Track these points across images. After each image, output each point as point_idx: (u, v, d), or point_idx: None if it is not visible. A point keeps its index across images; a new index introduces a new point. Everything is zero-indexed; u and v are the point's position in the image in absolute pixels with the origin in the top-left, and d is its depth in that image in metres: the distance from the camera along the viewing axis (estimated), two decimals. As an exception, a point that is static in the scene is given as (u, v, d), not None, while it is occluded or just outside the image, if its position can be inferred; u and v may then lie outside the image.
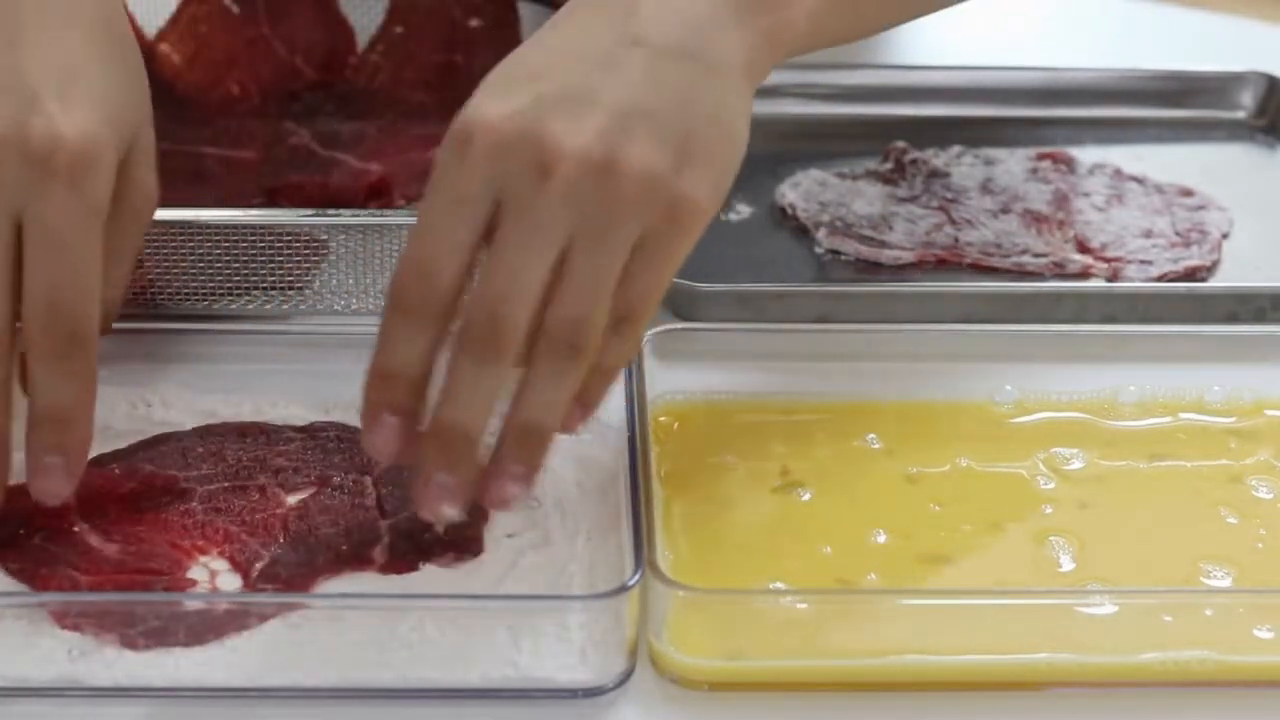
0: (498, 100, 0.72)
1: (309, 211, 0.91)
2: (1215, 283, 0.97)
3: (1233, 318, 0.94)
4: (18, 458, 0.74)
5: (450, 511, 0.72)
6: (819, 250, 0.99)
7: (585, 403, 0.73)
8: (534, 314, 0.71)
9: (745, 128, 0.76)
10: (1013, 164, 1.07)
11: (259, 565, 0.75)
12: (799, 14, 0.78)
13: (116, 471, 0.79)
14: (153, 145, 0.79)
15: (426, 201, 0.72)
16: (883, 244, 0.99)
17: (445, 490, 0.72)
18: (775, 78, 1.13)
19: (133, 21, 1.05)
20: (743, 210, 1.03)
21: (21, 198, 0.72)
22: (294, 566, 0.75)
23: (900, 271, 0.98)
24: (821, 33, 0.82)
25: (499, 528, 0.78)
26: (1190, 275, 0.97)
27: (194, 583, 0.75)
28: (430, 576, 0.76)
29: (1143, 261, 0.98)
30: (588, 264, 0.71)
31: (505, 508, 0.74)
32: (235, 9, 1.06)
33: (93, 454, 0.81)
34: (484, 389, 0.71)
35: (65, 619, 0.72)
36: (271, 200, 0.96)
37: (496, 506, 0.74)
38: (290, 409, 0.84)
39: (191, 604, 0.73)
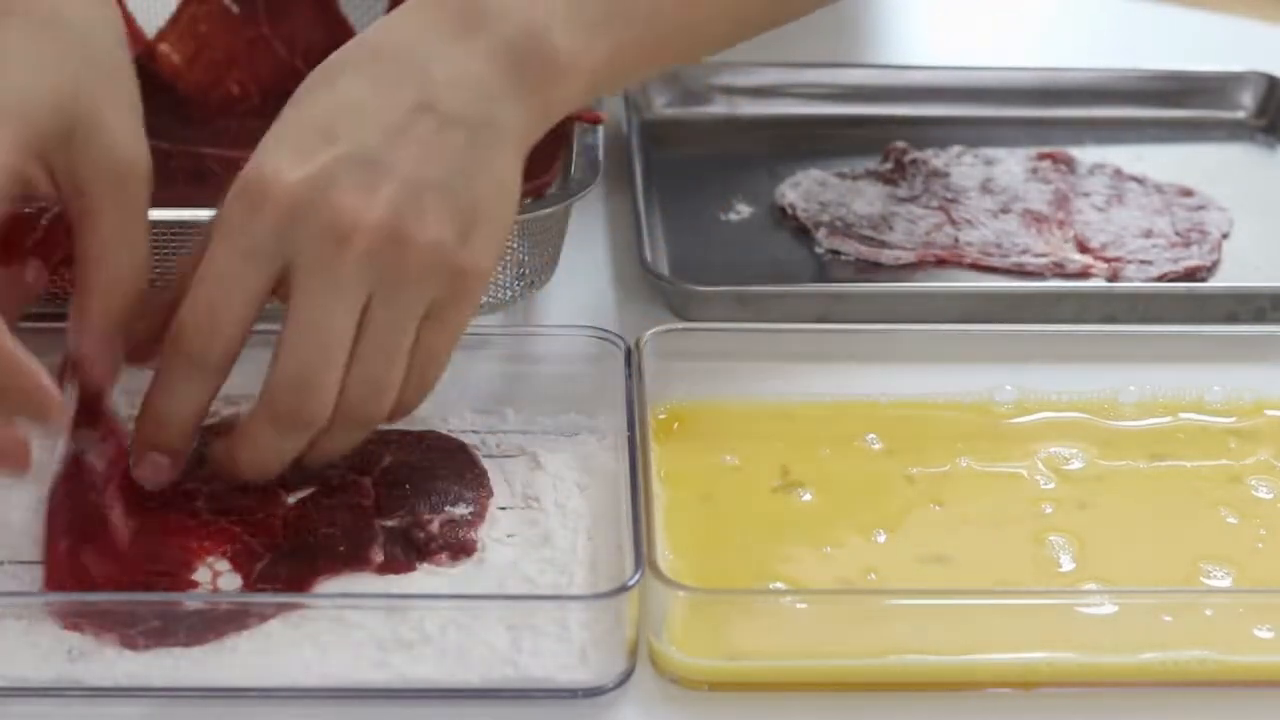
0: (291, 160, 0.73)
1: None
2: (1215, 283, 0.97)
3: (1233, 318, 0.94)
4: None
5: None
6: (819, 250, 0.99)
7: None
8: (339, 376, 0.73)
9: (516, 193, 0.77)
10: (1013, 164, 1.07)
11: (259, 565, 0.75)
12: (574, 89, 0.79)
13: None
14: (125, 110, 0.79)
15: (214, 251, 0.74)
16: (883, 244, 0.99)
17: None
18: (775, 77, 1.15)
19: (132, 22, 1.05)
20: (743, 210, 1.03)
21: None
22: (293, 567, 0.75)
23: (900, 271, 0.98)
24: (606, 88, 0.83)
25: (499, 528, 0.78)
26: (1190, 275, 0.97)
27: (197, 584, 0.75)
28: (430, 576, 0.76)
29: (1143, 261, 0.98)
30: (382, 331, 0.73)
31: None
32: (235, 9, 1.06)
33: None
34: (284, 448, 0.75)
35: (66, 618, 0.72)
36: (271, 200, 0.95)
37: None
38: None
39: (191, 604, 0.73)
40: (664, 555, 0.76)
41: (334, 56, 0.77)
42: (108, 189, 0.77)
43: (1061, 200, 1.03)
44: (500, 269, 0.88)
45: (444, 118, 0.75)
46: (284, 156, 0.74)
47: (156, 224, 0.87)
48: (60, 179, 0.76)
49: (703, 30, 0.86)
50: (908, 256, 0.98)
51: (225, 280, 0.73)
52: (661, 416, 0.85)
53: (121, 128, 0.78)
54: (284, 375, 0.73)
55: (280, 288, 0.73)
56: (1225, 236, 1.01)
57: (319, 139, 0.74)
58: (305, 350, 0.73)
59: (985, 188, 1.04)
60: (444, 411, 0.83)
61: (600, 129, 0.94)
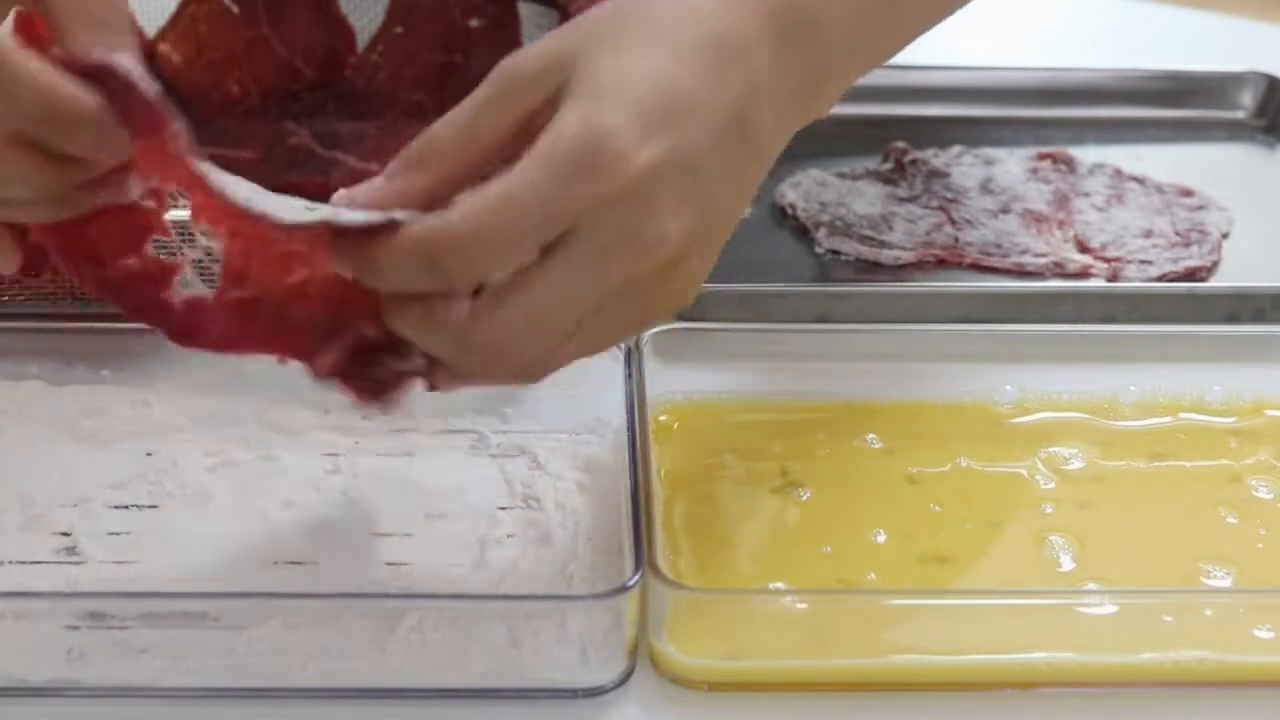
0: (637, 138, 0.68)
1: (309, 211, 0.91)
2: (1215, 283, 0.97)
3: (1233, 318, 0.94)
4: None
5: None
6: (819, 250, 0.99)
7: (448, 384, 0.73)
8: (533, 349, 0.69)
9: None
10: (1013, 164, 1.07)
11: None
12: (825, 104, 0.77)
13: None
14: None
15: (528, 178, 0.67)
16: (883, 244, 0.99)
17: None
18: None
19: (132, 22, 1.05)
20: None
21: None
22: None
23: (900, 271, 0.98)
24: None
25: (499, 528, 0.78)
26: (1190, 275, 0.97)
27: None
28: (430, 576, 0.76)
29: (1143, 261, 0.98)
30: (599, 335, 0.70)
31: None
32: (235, 9, 1.05)
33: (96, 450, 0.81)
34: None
35: None
36: (271, 200, 0.96)
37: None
38: (291, 409, 0.84)
39: (192, 604, 0.73)
40: (664, 555, 0.76)
41: (691, 29, 0.71)
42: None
43: (1061, 200, 1.03)
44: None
45: (752, 144, 0.71)
46: (633, 131, 0.67)
47: (156, 224, 0.87)
48: None
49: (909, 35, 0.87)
50: (908, 256, 0.98)
51: (522, 216, 0.67)
52: (661, 417, 0.85)
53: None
54: (486, 330, 0.68)
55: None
56: (1225, 236, 1.01)
57: (659, 121, 0.68)
58: (515, 323, 0.68)
59: (985, 188, 1.04)
60: (444, 412, 0.83)
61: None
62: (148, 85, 0.75)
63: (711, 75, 0.70)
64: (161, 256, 0.78)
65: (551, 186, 0.67)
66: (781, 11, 0.72)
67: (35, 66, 0.73)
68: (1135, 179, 1.06)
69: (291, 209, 0.72)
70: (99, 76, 0.74)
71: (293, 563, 0.76)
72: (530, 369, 0.71)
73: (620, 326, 0.71)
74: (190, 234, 0.82)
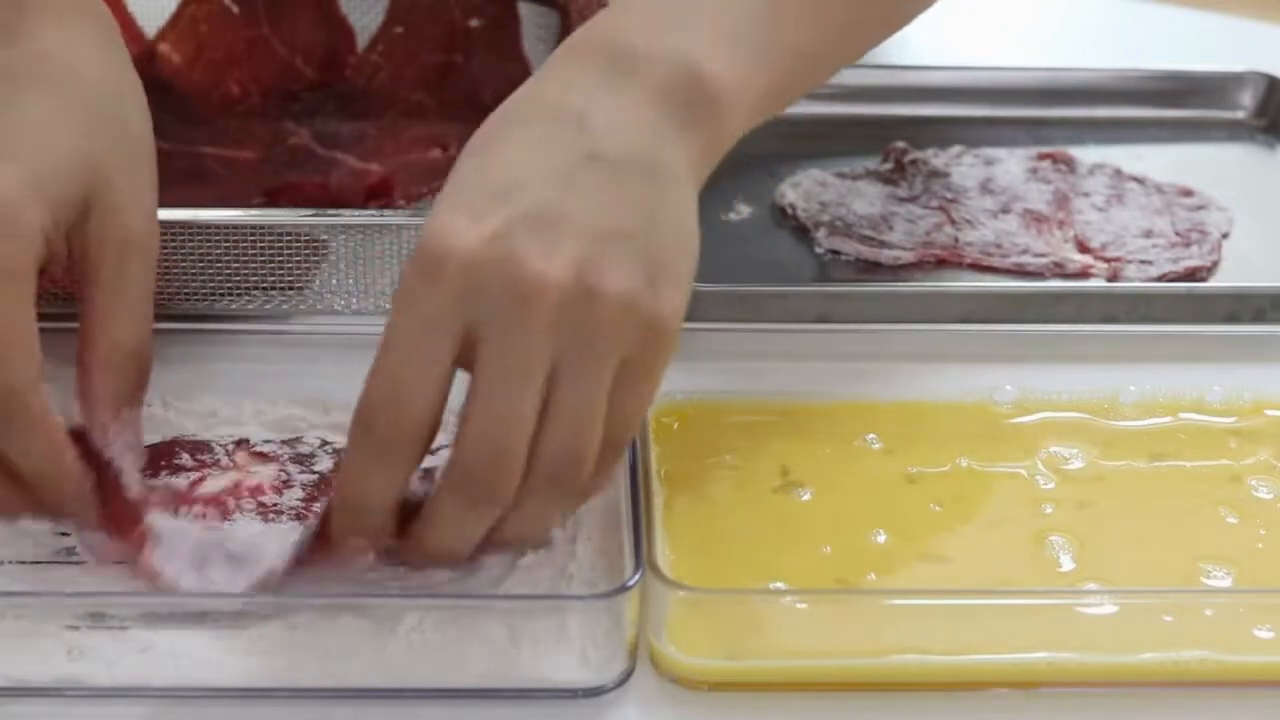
0: (466, 222, 0.69)
1: (309, 211, 0.91)
2: (1215, 283, 0.97)
3: (1233, 318, 0.94)
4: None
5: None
6: (819, 250, 0.99)
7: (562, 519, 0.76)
8: (524, 456, 0.69)
9: (696, 231, 0.75)
10: (1013, 164, 1.07)
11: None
12: (738, 121, 0.77)
13: None
14: (142, 187, 0.79)
15: (394, 322, 0.69)
16: (883, 244, 0.99)
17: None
18: (775, 78, 1.14)
19: (133, 22, 1.05)
20: (743, 210, 1.03)
21: None
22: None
23: (900, 271, 0.98)
24: (766, 115, 0.81)
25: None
26: (1190, 275, 0.97)
27: None
28: (430, 576, 0.76)
29: (1143, 261, 0.98)
30: (576, 394, 0.69)
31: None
32: (235, 9, 1.06)
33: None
34: (474, 526, 0.71)
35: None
36: (271, 200, 0.96)
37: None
38: (290, 409, 0.84)
39: (192, 603, 0.73)
40: (664, 555, 0.76)
41: (490, 120, 0.74)
42: (113, 263, 0.77)
43: (1061, 200, 1.03)
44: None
45: (615, 164, 0.72)
46: (459, 220, 0.69)
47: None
48: (72, 246, 0.77)
49: (849, 45, 0.85)
50: (908, 256, 0.98)
51: (409, 354, 0.69)
52: (662, 417, 0.85)
53: (136, 205, 0.78)
54: (472, 448, 0.69)
55: (464, 357, 0.69)
56: (1225, 236, 1.01)
57: (492, 199, 0.70)
58: (494, 421, 0.69)
59: (985, 188, 1.04)
60: (445, 411, 0.83)
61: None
62: (135, 485, 0.77)
63: (542, 133, 0.72)
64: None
65: (411, 299, 0.69)
66: (603, 56, 0.74)
67: (51, 423, 0.74)
68: (1135, 179, 1.06)
69: (237, 570, 0.74)
70: (99, 465, 0.76)
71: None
72: (568, 471, 0.70)
73: (624, 402, 0.71)
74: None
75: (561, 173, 0.71)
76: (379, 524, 0.72)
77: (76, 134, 0.77)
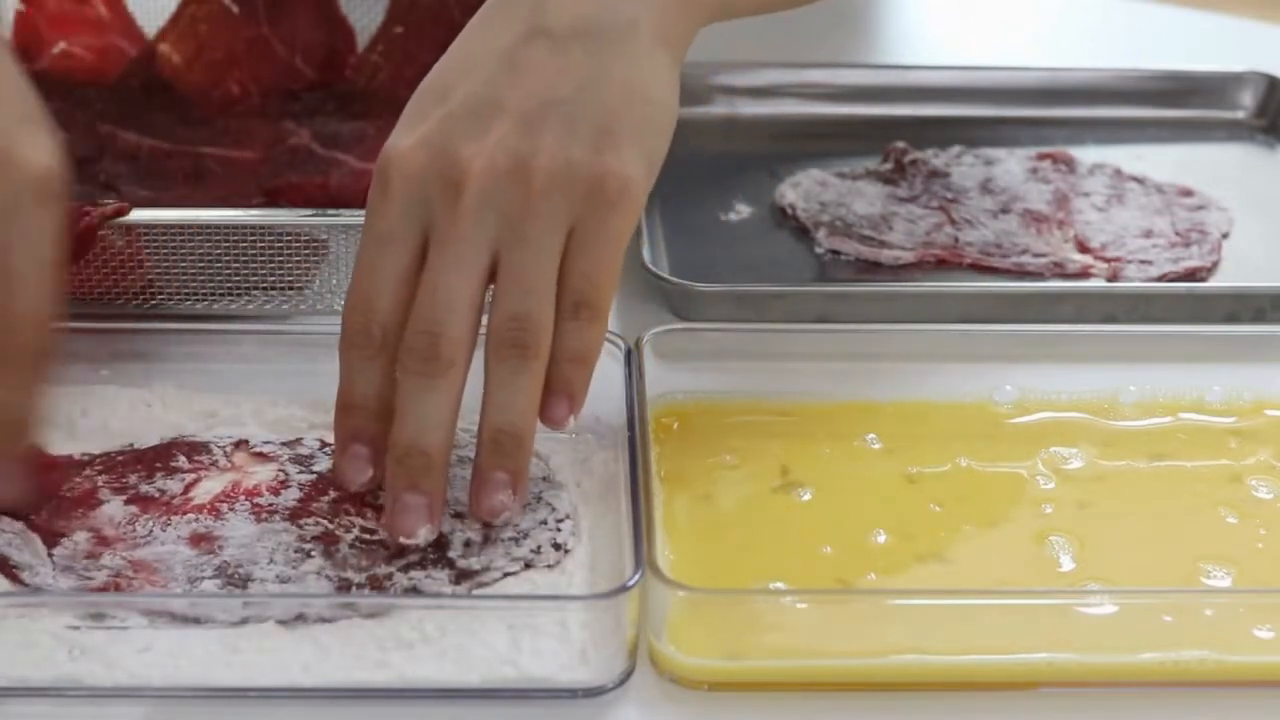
0: (409, 131, 0.74)
1: (309, 211, 0.91)
2: (1215, 283, 0.97)
3: (1233, 318, 0.94)
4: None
5: (423, 531, 0.75)
6: (819, 250, 0.99)
7: (569, 394, 0.75)
8: (468, 325, 0.73)
9: (667, 90, 0.77)
10: (1013, 164, 1.07)
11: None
12: None
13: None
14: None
15: (360, 243, 0.75)
16: (883, 244, 0.99)
17: (413, 510, 0.74)
18: (775, 77, 1.15)
19: (132, 22, 1.05)
20: (743, 210, 1.03)
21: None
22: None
23: (900, 271, 0.98)
24: (734, 1, 0.82)
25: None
26: (1190, 275, 0.97)
27: None
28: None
29: (1143, 261, 0.98)
30: (515, 263, 0.73)
31: (496, 518, 0.76)
32: (235, 9, 1.06)
33: (94, 451, 0.81)
34: (433, 405, 0.73)
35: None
36: (271, 200, 0.96)
37: (487, 517, 0.76)
38: (290, 409, 0.84)
39: (192, 602, 0.73)
40: (664, 555, 0.76)
41: (475, 16, 0.78)
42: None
43: (1061, 200, 1.03)
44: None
45: (558, 37, 0.75)
46: (403, 130, 0.74)
47: (157, 224, 0.87)
48: None
49: None
50: (908, 256, 0.98)
51: (370, 267, 0.74)
52: (661, 417, 0.85)
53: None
54: (413, 325, 0.73)
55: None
56: (1225, 236, 1.01)
57: (434, 101, 0.75)
58: (431, 294, 0.73)
59: (985, 188, 1.04)
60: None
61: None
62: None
63: (494, 20, 0.76)
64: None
65: (369, 218, 0.74)
66: None
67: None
68: (1135, 179, 1.06)
69: None
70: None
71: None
72: (519, 335, 0.73)
73: (582, 263, 0.73)
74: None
75: (503, 56, 0.75)
76: (371, 422, 0.75)
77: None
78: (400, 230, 0.74)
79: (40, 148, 0.75)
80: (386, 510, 0.75)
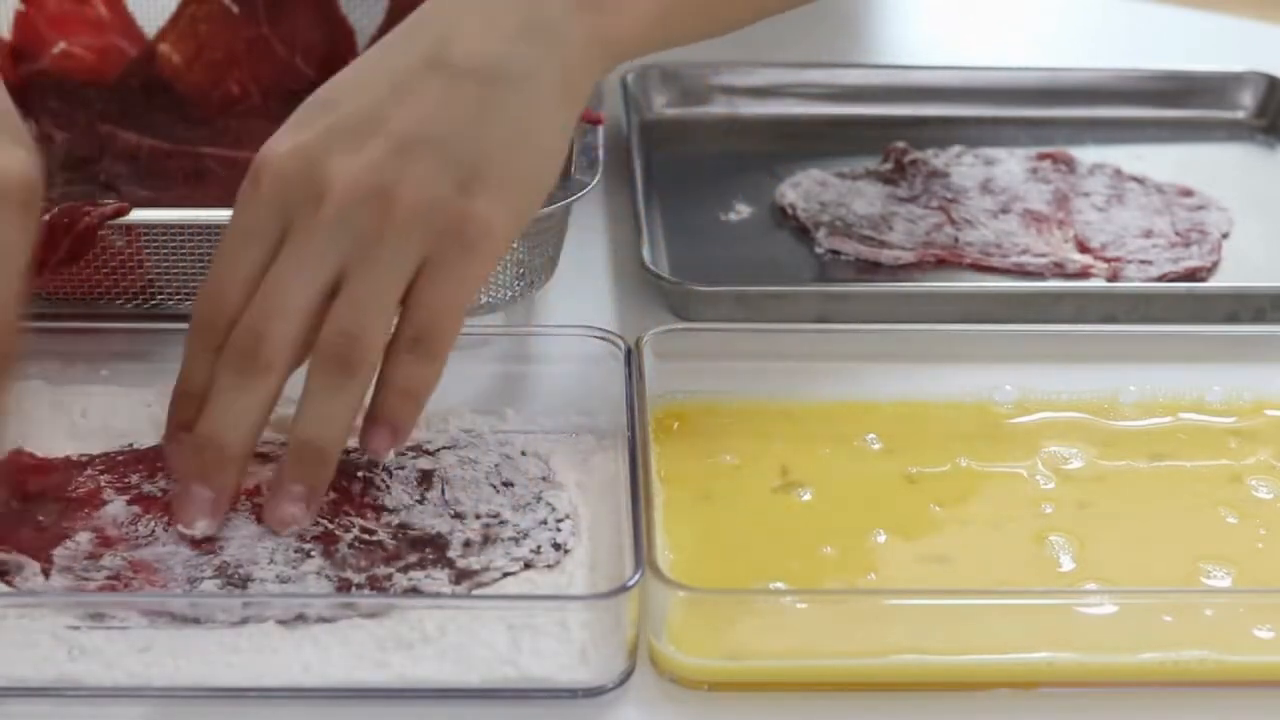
0: (289, 136, 0.75)
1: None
2: (1215, 283, 0.97)
3: (1233, 318, 0.94)
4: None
5: (201, 524, 0.75)
6: (819, 250, 0.99)
7: (393, 426, 0.75)
8: (293, 332, 0.73)
9: (555, 143, 0.77)
10: (1013, 164, 1.07)
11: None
12: (626, 23, 0.78)
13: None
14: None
15: (223, 236, 0.75)
16: (883, 244, 0.99)
17: (196, 501, 0.75)
18: (775, 77, 1.15)
19: (132, 22, 1.05)
20: (743, 210, 1.03)
21: None
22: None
23: (900, 271, 0.98)
24: (659, 37, 0.82)
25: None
26: (1190, 275, 0.97)
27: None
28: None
29: (1143, 261, 0.98)
30: (356, 282, 0.73)
31: (284, 529, 0.76)
32: (235, 9, 1.06)
33: (95, 451, 0.81)
34: (241, 404, 0.74)
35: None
36: (271, 200, 0.96)
37: (276, 526, 0.76)
38: (289, 409, 0.84)
39: (191, 601, 0.73)
40: (664, 555, 0.76)
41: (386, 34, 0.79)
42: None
43: (1061, 200, 1.03)
44: (500, 268, 0.88)
45: (456, 72, 0.75)
46: (282, 135, 0.75)
47: (157, 224, 0.87)
48: None
49: None
50: (908, 256, 0.98)
51: (226, 261, 0.75)
52: (661, 417, 0.85)
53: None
54: (242, 323, 0.74)
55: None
56: (1225, 236, 1.01)
57: (320, 111, 0.75)
58: (261, 303, 0.73)
59: (985, 188, 1.04)
60: (444, 411, 0.83)
61: (600, 129, 0.94)
62: None
63: (398, 44, 0.77)
64: None
65: (236, 210, 0.75)
66: None
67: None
68: (1135, 179, 1.06)
69: None
70: None
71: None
72: (345, 351, 0.73)
73: (428, 298, 0.74)
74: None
75: (397, 80, 0.75)
76: (230, 446, 0.75)
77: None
78: (262, 229, 0.74)
79: (7, 156, 0.75)
80: (173, 497, 0.76)
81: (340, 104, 0.75)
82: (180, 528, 0.75)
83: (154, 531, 0.77)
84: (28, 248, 0.75)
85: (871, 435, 0.85)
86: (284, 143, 0.75)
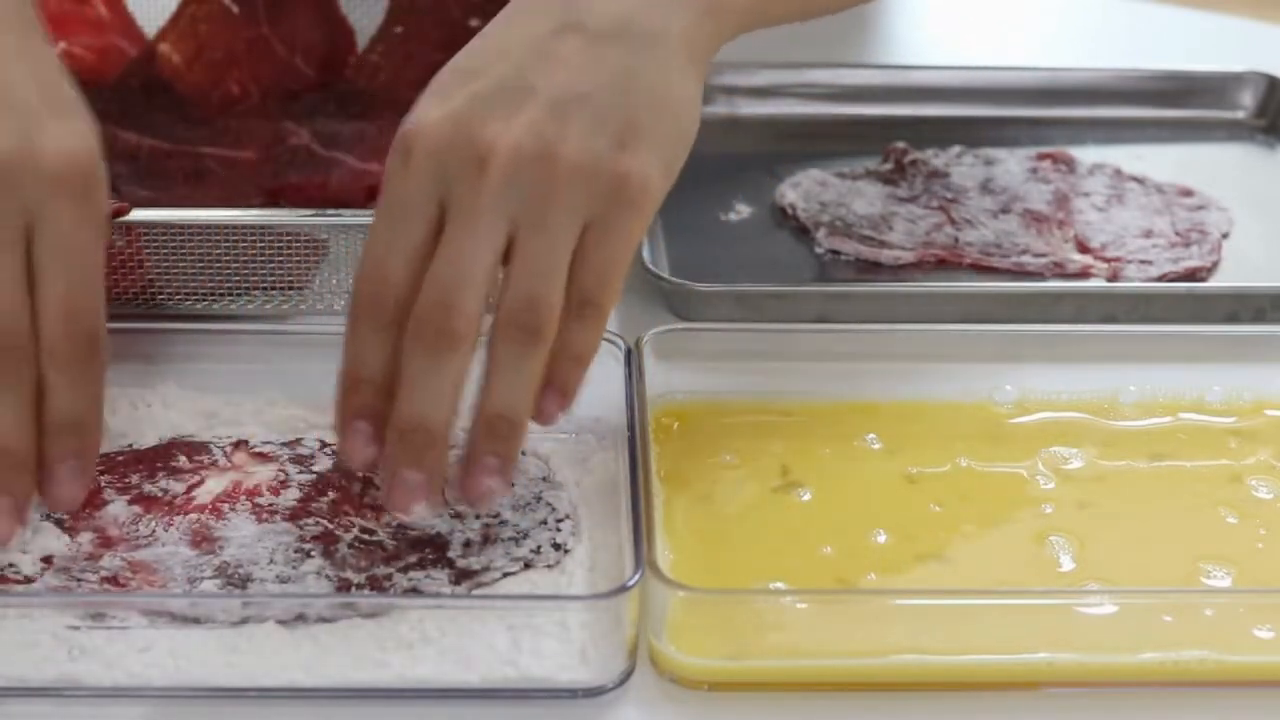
0: (435, 105, 0.74)
1: (309, 211, 0.91)
2: (1215, 283, 0.97)
3: (1233, 318, 0.94)
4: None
5: (420, 509, 0.73)
6: (819, 250, 0.99)
7: (562, 390, 0.75)
8: (481, 300, 0.72)
9: (692, 100, 0.77)
10: (1013, 164, 1.07)
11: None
12: None
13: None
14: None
15: (376, 213, 0.74)
16: (883, 244, 0.99)
17: (413, 487, 0.73)
18: (775, 77, 1.15)
19: (132, 22, 1.05)
20: (743, 210, 1.03)
21: (33, 214, 0.72)
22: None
23: (900, 271, 0.98)
24: (758, 15, 0.83)
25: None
26: (1190, 275, 0.97)
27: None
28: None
29: (1143, 261, 0.98)
30: (532, 246, 0.72)
31: (484, 503, 0.75)
32: (235, 9, 1.06)
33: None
34: (440, 380, 0.72)
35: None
36: (271, 200, 0.96)
37: (475, 501, 0.75)
38: (290, 409, 0.84)
39: (189, 601, 0.73)
40: (664, 555, 0.76)
41: (509, 4, 0.78)
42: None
43: (1061, 200, 1.03)
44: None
45: (592, 34, 0.75)
46: (429, 106, 0.74)
47: (157, 224, 0.87)
48: None
49: None
50: (908, 256, 0.98)
51: (384, 238, 0.73)
52: (661, 417, 0.85)
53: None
54: (425, 295, 0.72)
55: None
56: (1225, 236, 1.01)
57: (462, 79, 0.75)
58: (445, 266, 0.72)
59: (985, 188, 1.04)
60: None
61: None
62: None
63: (532, 8, 0.76)
64: None
65: (388, 186, 0.74)
66: None
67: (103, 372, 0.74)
68: (1135, 179, 1.06)
69: None
70: None
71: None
72: (529, 319, 0.72)
73: (594, 258, 0.73)
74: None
75: (536, 45, 0.75)
76: (376, 398, 0.73)
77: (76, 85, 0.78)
78: (418, 202, 0.73)
79: (63, 136, 0.73)
80: (384, 486, 0.74)
81: (481, 72, 0.74)
82: (398, 515, 0.74)
83: (154, 532, 0.77)
84: (96, 239, 0.73)
85: (871, 435, 0.85)
86: (431, 112, 0.74)
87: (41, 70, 0.76)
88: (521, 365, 0.73)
